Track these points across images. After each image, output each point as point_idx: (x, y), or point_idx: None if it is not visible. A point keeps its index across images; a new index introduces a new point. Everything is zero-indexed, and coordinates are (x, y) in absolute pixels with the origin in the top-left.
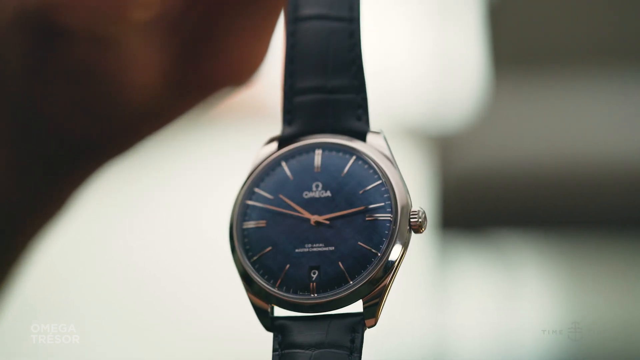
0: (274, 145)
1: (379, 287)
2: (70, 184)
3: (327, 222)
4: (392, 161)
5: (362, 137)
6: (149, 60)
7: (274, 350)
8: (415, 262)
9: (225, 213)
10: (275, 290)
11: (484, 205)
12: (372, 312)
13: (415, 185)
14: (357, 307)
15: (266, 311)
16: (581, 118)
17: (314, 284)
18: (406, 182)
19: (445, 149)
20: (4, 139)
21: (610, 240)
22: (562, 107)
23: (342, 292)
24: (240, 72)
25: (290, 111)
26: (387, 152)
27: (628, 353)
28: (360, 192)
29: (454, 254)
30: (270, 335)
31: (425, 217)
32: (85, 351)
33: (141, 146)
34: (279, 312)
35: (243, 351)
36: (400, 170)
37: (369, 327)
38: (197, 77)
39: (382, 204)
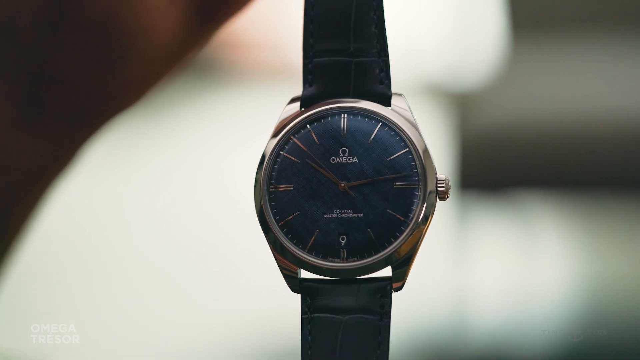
0: (297, 105)
1: (407, 253)
2: (82, 137)
3: (355, 188)
4: (416, 126)
5: (385, 100)
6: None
7: (303, 313)
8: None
9: (248, 174)
10: (305, 255)
11: (502, 165)
12: (400, 276)
13: (435, 145)
14: (385, 270)
15: (294, 272)
16: (598, 78)
17: (344, 250)
18: (427, 144)
19: (464, 107)
20: (14, 92)
21: (628, 198)
22: (580, 67)
23: (372, 260)
24: None
25: (311, 71)
26: (410, 117)
27: None
28: (388, 159)
29: (473, 213)
30: (297, 297)
31: (450, 185)
32: (84, 350)
33: (154, 93)
34: (305, 274)
35: (270, 313)
36: (423, 134)
37: (395, 290)
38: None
39: (410, 172)
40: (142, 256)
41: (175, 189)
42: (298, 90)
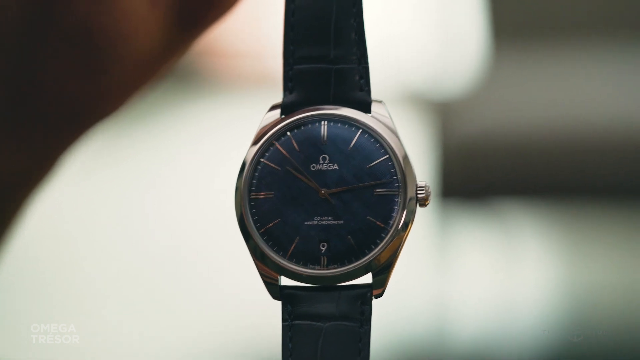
0: (277, 112)
1: (387, 260)
2: (62, 144)
3: (336, 195)
4: (396, 133)
5: (365, 107)
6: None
7: (284, 320)
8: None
9: (229, 181)
10: (286, 262)
11: (483, 173)
12: (380, 283)
13: (416, 153)
14: (365, 278)
15: (275, 279)
16: (580, 86)
17: (325, 257)
18: (407, 151)
19: (445, 115)
20: None
21: (610, 207)
22: (562, 75)
23: (353, 267)
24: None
25: (292, 78)
26: (390, 124)
27: (627, 320)
28: (368, 166)
29: (454, 221)
30: (278, 303)
31: (430, 191)
32: (84, 350)
33: (134, 102)
34: (286, 281)
35: (251, 319)
36: (403, 141)
37: (375, 297)
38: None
39: (390, 179)
40: (125, 264)
41: (158, 196)
42: (279, 99)
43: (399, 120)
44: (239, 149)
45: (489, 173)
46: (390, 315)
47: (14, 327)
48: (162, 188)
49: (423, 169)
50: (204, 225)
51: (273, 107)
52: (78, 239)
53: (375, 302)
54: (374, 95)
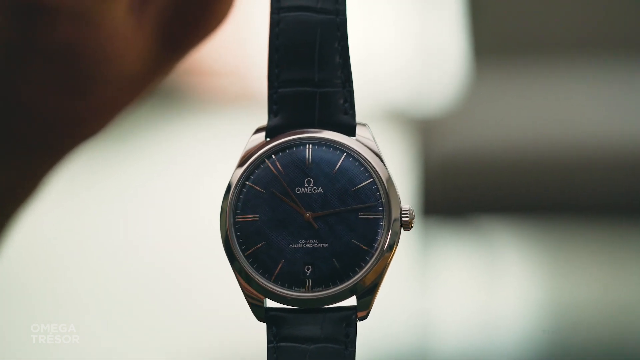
0: (262, 135)
1: (372, 283)
2: (45, 164)
3: (320, 218)
4: (380, 157)
5: (349, 130)
6: (129, 31)
7: (269, 342)
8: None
9: (213, 200)
10: (271, 284)
11: (465, 191)
12: (364, 306)
13: (397, 171)
14: (350, 300)
15: (260, 301)
16: (562, 104)
17: (310, 280)
18: (388, 168)
19: (426, 133)
20: None
21: (592, 224)
22: (543, 92)
23: (337, 290)
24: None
25: (276, 102)
26: (374, 147)
27: (609, 337)
28: (352, 189)
29: (435, 239)
30: (263, 325)
31: (414, 214)
32: (84, 347)
33: (118, 121)
34: (271, 303)
35: (236, 340)
36: (385, 161)
37: (360, 320)
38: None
39: (374, 202)
40: (108, 284)
41: (141, 216)
42: (262, 118)
43: (381, 139)
44: (223, 167)
45: (470, 190)
46: (373, 334)
47: (14, 327)
48: (146, 207)
49: (405, 187)
50: (189, 244)
51: (258, 130)
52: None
53: (359, 323)
54: (356, 113)
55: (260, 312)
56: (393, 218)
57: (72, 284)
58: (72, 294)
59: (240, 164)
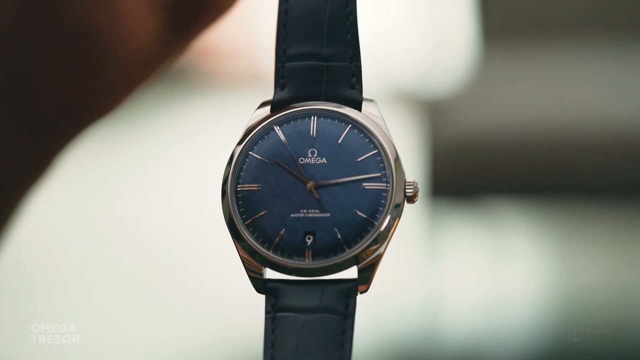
0: (267, 109)
1: (374, 255)
2: (57, 144)
3: (323, 188)
4: (386, 131)
5: (356, 105)
6: (140, 12)
7: (267, 312)
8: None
9: (218, 177)
10: (270, 253)
11: (473, 172)
12: (365, 279)
13: (406, 151)
14: (350, 272)
15: (259, 273)
16: (570, 85)
17: (310, 250)
18: (397, 148)
19: (435, 114)
20: None
21: (600, 205)
22: (551, 74)
23: (338, 259)
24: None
25: (283, 76)
26: (380, 122)
27: (617, 319)
28: (356, 160)
29: (444, 220)
30: (262, 298)
31: (418, 187)
32: (84, 350)
33: (129, 102)
34: (270, 274)
35: (235, 315)
36: (392, 139)
37: (361, 293)
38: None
39: (378, 173)
40: (118, 263)
41: (152, 195)
42: (271, 96)
43: (390, 120)
44: (231, 146)
45: (478, 171)
46: (381, 314)
47: (14, 327)
48: (156, 187)
49: (413, 168)
50: (197, 222)
51: (263, 104)
52: (73, 238)
53: (365, 301)
54: (365, 95)
55: (259, 284)
56: (397, 190)
57: (76, 275)
58: (75, 289)
59: (244, 135)
